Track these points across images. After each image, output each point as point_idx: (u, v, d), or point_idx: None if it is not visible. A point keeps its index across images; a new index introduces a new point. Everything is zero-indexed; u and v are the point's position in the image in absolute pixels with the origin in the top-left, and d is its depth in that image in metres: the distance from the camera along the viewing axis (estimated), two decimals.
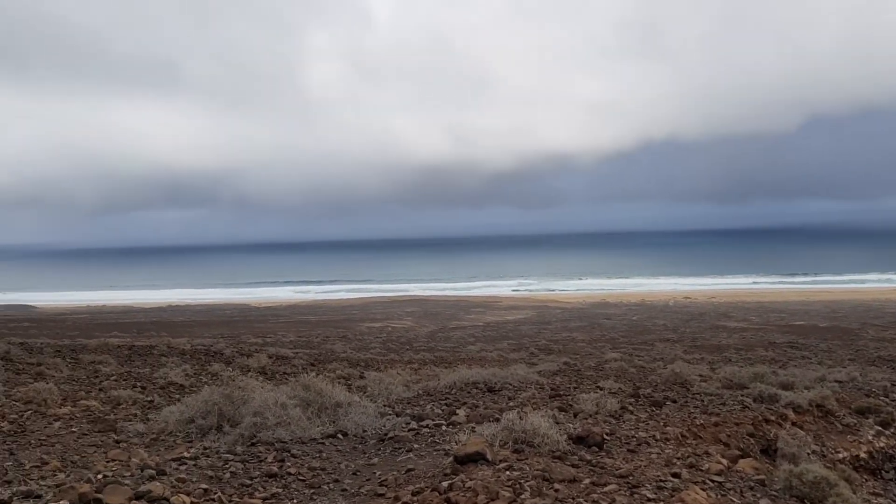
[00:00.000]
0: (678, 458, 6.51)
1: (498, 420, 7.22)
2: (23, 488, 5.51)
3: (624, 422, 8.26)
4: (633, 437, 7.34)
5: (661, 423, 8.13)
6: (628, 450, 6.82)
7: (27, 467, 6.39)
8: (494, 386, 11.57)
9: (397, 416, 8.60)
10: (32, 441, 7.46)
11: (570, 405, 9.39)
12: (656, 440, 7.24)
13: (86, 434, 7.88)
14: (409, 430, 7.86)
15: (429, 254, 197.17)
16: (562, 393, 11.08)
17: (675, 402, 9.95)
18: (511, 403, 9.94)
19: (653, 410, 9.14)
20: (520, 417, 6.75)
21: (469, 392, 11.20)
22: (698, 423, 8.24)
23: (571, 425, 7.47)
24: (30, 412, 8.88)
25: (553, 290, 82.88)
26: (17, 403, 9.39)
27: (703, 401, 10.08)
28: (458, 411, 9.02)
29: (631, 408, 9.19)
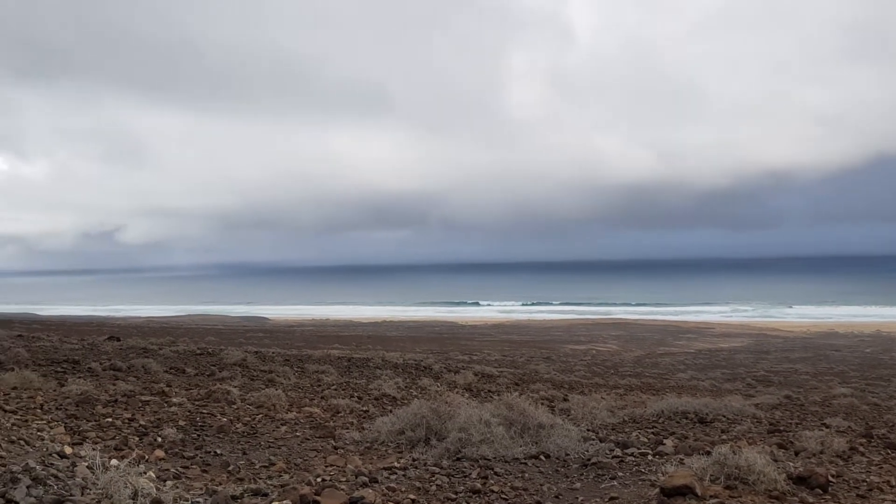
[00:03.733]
0: None
1: (709, 453, 6.87)
2: (252, 486, 6.05)
3: (853, 464, 7.53)
4: (864, 481, 6.65)
5: None
6: (857, 495, 6.20)
7: (257, 467, 7.03)
8: (706, 417, 11.02)
9: (601, 441, 8.44)
10: (262, 443, 8.18)
11: (791, 442, 8.73)
12: (891, 486, 6.52)
13: (308, 439, 8.52)
14: (612, 457, 7.68)
15: (634, 276, 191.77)
16: (781, 428, 10.33)
17: None
18: (724, 436, 9.43)
19: (888, 453, 8.24)
20: (733, 452, 6.37)
21: (678, 422, 10.76)
22: None
23: (792, 464, 6.93)
24: (261, 416, 9.76)
25: (771, 318, 77.30)
26: (251, 407, 10.36)
27: None
28: (665, 441, 8.69)
29: (862, 449, 8.36)
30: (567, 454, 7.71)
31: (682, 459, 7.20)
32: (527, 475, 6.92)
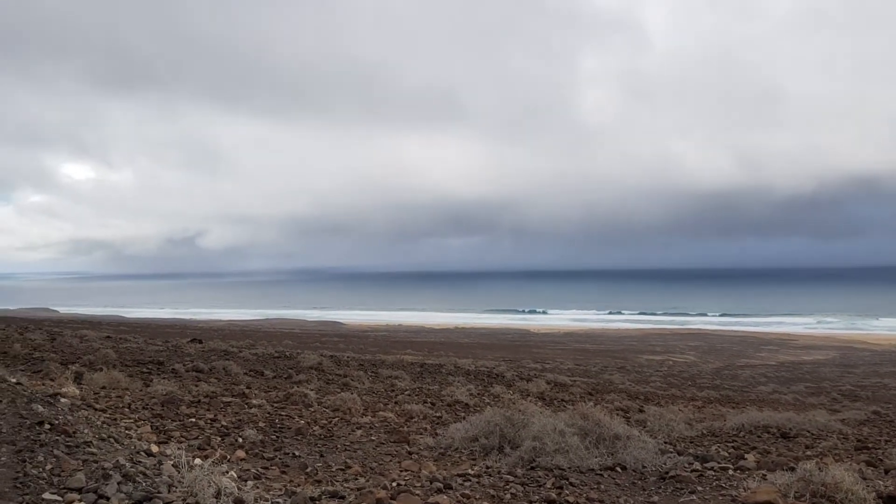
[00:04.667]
0: None
1: (793, 469, 6.63)
2: (329, 488, 6.15)
3: None
4: None
5: None
6: None
7: (333, 469, 7.15)
8: (789, 432, 10.66)
9: (679, 454, 8.25)
10: (338, 446, 8.31)
11: (881, 460, 8.34)
12: None
13: (383, 443, 8.61)
14: (691, 471, 7.49)
15: (712, 285, 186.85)
16: (870, 445, 9.90)
17: None
18: (808, 452, 9.10)
19: None
20: (819, 468, 6.14)
21: (759, 436, 10.44)
22: None
23: (882, 482, 6.62)
24: (337, 419, 9.92)
25: (858, 330, 74.22)
26: (327, 410, 10.54)
27: None
28: (746, 455, 8.43)
29: None
30: (644, 466, 7.56)
31: (765, 475, 6.98)
32: (602, 486, 6.82)
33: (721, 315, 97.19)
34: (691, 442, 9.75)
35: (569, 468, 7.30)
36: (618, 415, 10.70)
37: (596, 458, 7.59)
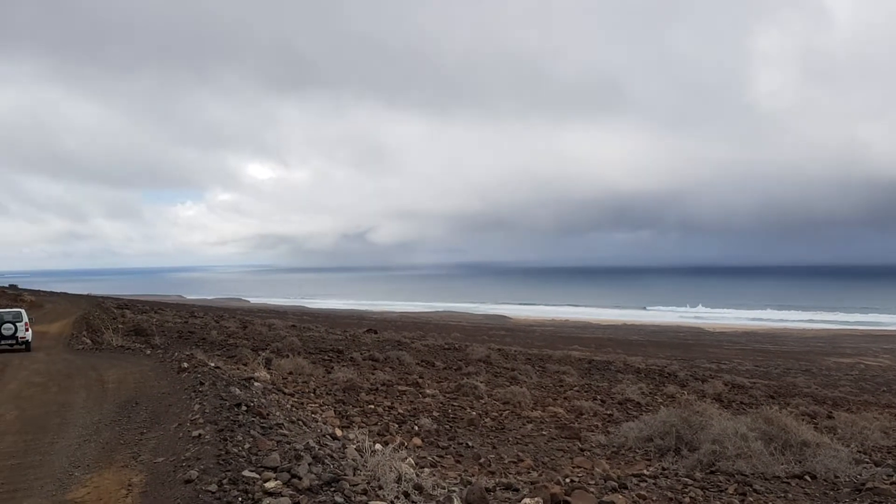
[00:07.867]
0: None
1: None
2: (503, 480, 6.24)
3: None
4: None
5: None
6: None
7: (506, 461, 7.25)
8: None
9: (876, 465, 7.64)
10: (510, 438, 8.41)
11: None
12: None
13: (553, 439, 8.61)
14: (891, 483, 6.90)
15: None
16: None
17: None
18: None
19: None
20: None
21: None
22: None
23: None
24: (507, 412, 10.04)
25: None
26: (497, 403, 10.69)
27: None
28: None
29: None
30: (836, 476, 7.07)
31: None
32: (790, 496, 6.44)
33: None
34: (889, 452, 9.00)
35: (752, 474, 6.96)
36: (804, 420, 10.06)
37: (782, 465, 7.19)
